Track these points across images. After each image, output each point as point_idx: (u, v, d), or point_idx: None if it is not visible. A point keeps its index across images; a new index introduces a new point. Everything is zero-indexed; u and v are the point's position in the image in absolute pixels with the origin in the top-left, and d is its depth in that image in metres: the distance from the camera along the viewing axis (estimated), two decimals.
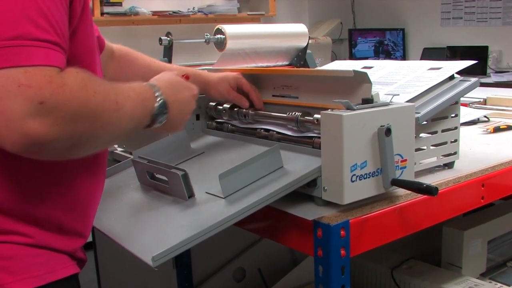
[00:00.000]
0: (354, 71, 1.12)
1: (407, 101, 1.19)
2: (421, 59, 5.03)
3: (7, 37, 0.76)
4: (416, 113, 1.17)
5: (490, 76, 4.41)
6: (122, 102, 0.89)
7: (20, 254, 0.91)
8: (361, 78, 1.13)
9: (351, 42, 5.65)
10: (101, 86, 0.86)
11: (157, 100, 0.99)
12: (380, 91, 1.20)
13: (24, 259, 0.91)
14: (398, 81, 1.35)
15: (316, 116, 1.18)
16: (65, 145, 0.81)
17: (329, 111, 1.04)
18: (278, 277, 1.91)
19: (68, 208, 0.97)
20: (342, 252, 1.05)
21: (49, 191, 0.94)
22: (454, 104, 1.33)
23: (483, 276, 1.78)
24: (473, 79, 1.32)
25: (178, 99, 1.06)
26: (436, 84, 1.28)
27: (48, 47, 0.79)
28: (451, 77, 1.32)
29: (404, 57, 5.42)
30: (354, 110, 1.04)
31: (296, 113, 1.24)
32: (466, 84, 1.31)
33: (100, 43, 1.41)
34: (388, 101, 1.12)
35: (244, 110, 1.41)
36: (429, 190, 1.06)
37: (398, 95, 1.19)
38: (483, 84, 3.92)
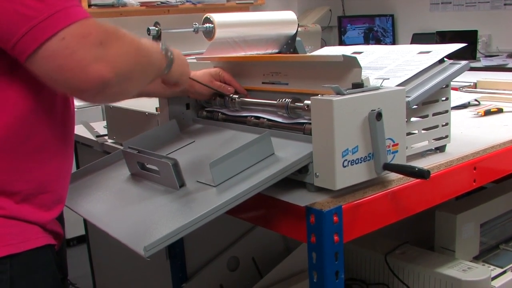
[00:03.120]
0: (344, 56, 1.11)
1: (398, 85, 1.19)
2: (411, 44, 5.03)
3: (57, 9, 0.88)
4: (406, 96, 1.16)
5: (479, 61, 4.41)
6: (143, 43, 1.02)
7: None
8: (351, 63, 1.12)
9: (340, 29, 5.63)
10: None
11: (161, 44, 1.13)
12: (370, 75, 1.20)
13: None
14: (388, 65, 1.34)
15: (306, 102, 1.17)
16: (121, 80, 0.92)
17: (319, 97, 1.04)
18: (272, 266, 1.90)
19: (38, 183, 1.03)
20: (335, 238, 1.05)
21: (20, 166, 0.99)
22: (444, 88, 1.32)
23: (476, 259, 1.79)
24: (463, 62, 1.32)
25: (177, 53, 1.20)
26: (426, 68, 1.28)
27: (79, 5, 0.92)
28: (441, 61, 1.32)
29: (394, 43, 5.42)
30: (344, 95, 1.03)
31: (286, 100, 1.23)
32: (456, 67, 1.31)
33: None
34: (378, 85, 1.11)
35: (232, 96, 1.41)
36: (421, 174, 1.06)
37: (388, 79, 1.19)
38: (473, 68, 3.91)
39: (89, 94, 0.91)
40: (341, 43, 5.58)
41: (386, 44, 5.42)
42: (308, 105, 1.15)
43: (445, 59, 1.33)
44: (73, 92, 0.93)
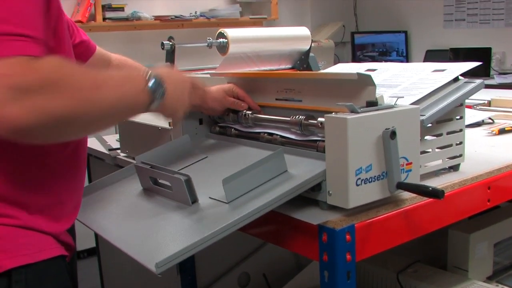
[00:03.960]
0: (358, 73, 1.11)
1: (412, 104, 1.18)
2: (424, 61, 5.02)
3: None
4: (421, 115, 1.15)
5: (493, 78, 4.39)
6: (103, 80, 0.92)
7: (11, 235, 0.97)
8: (365, 81, 1.12)
9: (353, 45, 5.64)
10: (78, 69, 0.91)
11: (148, 75, 1.00)
12: (384, 93, 1.19)
13: (14, 239, 0.97)
14: (402, 83, 1.34)
15: (320, 119, 1.17)
16: (46, 127, 0.84)
17: (333, 114, 1.03)
18: (283, 282, 1.90)
19: (52, 194, 1.03)
20: (348, 256, 1.04)
21: (34, 178, 1.01)
22: (459, 106, 1.31)
23: (489, 279, 1.77)
24: (478, 81, 1.31)
25: (171, 76, 1.07)
26: (441, 86, 1.27)
27: (22, 39, 0.84)
28: (456, 79, 1.31)
29: (407, 60, 5.41)
30: (358, 113, 1.03)
31: (300, 117, 1.23)
32: (471, 85, 1.30)
33: (90, 47, 1.43)
34: (393, 103, 1.11)
35: (245, 112, 1.41)
36: (435, 193, 1.05)
37: (403, 97, 1.18)
38: (487, 86, 3.88)
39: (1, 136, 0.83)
40: (354, 58, 5.58)
41: (399, 60, 5.41)
42: (322, 123, 1.15)
43: (459, 77, 1.32)
44: None
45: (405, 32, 5.41)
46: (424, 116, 1.18)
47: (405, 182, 1.09)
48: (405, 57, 5.43)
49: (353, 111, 1.03)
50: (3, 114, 0.80)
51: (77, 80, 0.88)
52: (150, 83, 1.00)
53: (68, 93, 0.86)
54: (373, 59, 5.48)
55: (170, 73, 1.08)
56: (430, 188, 1.06)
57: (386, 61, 5.32)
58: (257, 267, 2.04)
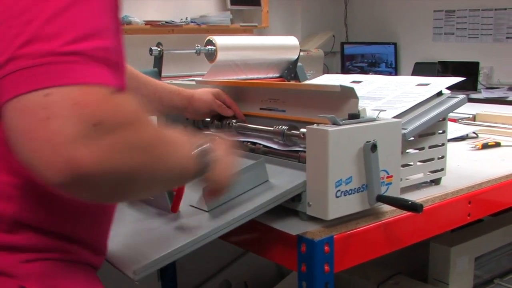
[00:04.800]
0: (341, 86, 1.11)
1: (394, 117, 1.19)
2: (412, 73, 5.06)
3: (62, 52, 0.66)
4: (403, 129, 1.16)
5: (480, 92, 4.43)
6: (171, 136, 0.82)
7: (64, 271, 0.84)
8: (348, 93, 1.12)
9: (343, 55, 5.67)
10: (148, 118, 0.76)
11: (202, 150, 0.89)
12: (367, 106, 1.20)
13: (69, 276, 0.84)
14: (386, 96, 1.35)
15: (302, 130, 1.17)
16: (113, 180, 0.69)
17: (314, 126, 1.04)
18: None
19: (94, 226, 0.91)
20: (326, 267, 1.04)
21: (79, 210, 0.86)
22: (441, 121, 1.32)
23: None
24: (461, 96, 1.32)
25: (221, 155, 0.95)
26: (424, 100, 1.28)
27: (106, 64, 0.69)
28: (439, 93, 1.32)
29: (396, 71, 5.45)
30: (340, 125, 1.03)
31: (283, 127, 1.24)
32: (454, 100, 1.31)
33: None
34: (375, 116, 1.11)
35: (229, 121, 1.41)
36: (414, 207, 1.06)
37: (385, 110, 1.19)
38: (473, 100, 3.94)
39: (55, 184, 0.66)
40: (343, 68, 5.61)
41: (388, 72, 5.45)
42: (304, 133, 1.15)
43: (443, 91, 1.33)
44: (35, 174, 0.66)
45: (395, 44, 5.45)
46: (406, 130, 1.18)
47: (385, 195, 1.10)
48: (394, 69, 5.47)
49: (335, 123, 1.04)
50: (71, 155, 0.64)
51: (154, 131, 0.75)
52: (199, 153, 0.88)
53: (143, 144, 0.72)
54: (362, 70, 5.51)
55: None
56: (409, 202, 1.07)
57: (375, 72, 5.36)
58: (239, 275, 2.04)
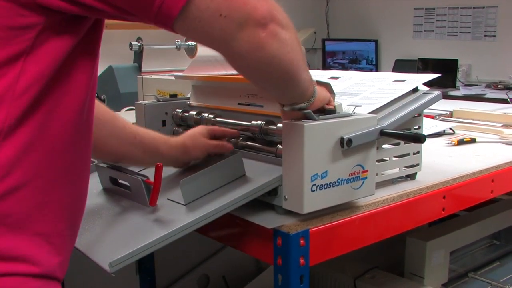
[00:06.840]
0: (318, 81, 1.12)
1: (370, 112, 1.21)
2: (393, 70, 5.10)
3: None
4: (378, 124, 1.18)
5: (459, 89, 4.47)
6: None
7: None
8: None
9: (324, 52, 5.69)
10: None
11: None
12: (344, 102, 1.21)
13: None
14: (363, 92, 1.36)
15: (279, 125, 1.19)
16: (281, 49, 0.89)
17: (290, 121, 1.05)
18: (242, 285, 1.91)
19: (66, 219, 0.88)
20: (301, 261, 1.06)
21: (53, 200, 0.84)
22: (417, 116, 1.34)
23: (445, 286, 1.81)
24: (436, 92, 1.34)
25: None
26: (400, 96, 1.30)
27: None
28: (415, 90, 1.34)
29: (376, 68, 5.49)
30: (316, 120, 1.04)
31: (260, 122, 1.25)
32: (429, 96, 1.33)
33: None
34: (351, 112, 1.13)
35: (208, 116, 1.41)
36: (418, 138, 1.13)
37: (361, 106, 1.20)
38: (452, 97, 3.99)
39: (259, 17, 0.84)
40: (324, 65, 5.63)
41: (368, 68, 5.48)
42: (280, 128, 1.16)
43: (420, 88, 1.35)
44: (237, 26, 0.83)
45: (376, 41, 5.48)
46: (381, 125, 1.20)
47: (388, 130, 1.16)
48: (375, 66, 5.50)
49: (311, 118, 1.05)
50: (271, 7, 0.86)
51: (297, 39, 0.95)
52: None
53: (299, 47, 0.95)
54: (343, 67, 5.54)
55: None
56: (413, 133, 1.08)
57: (356, 69, 5.39)
58: (217, 269, 2.05)
